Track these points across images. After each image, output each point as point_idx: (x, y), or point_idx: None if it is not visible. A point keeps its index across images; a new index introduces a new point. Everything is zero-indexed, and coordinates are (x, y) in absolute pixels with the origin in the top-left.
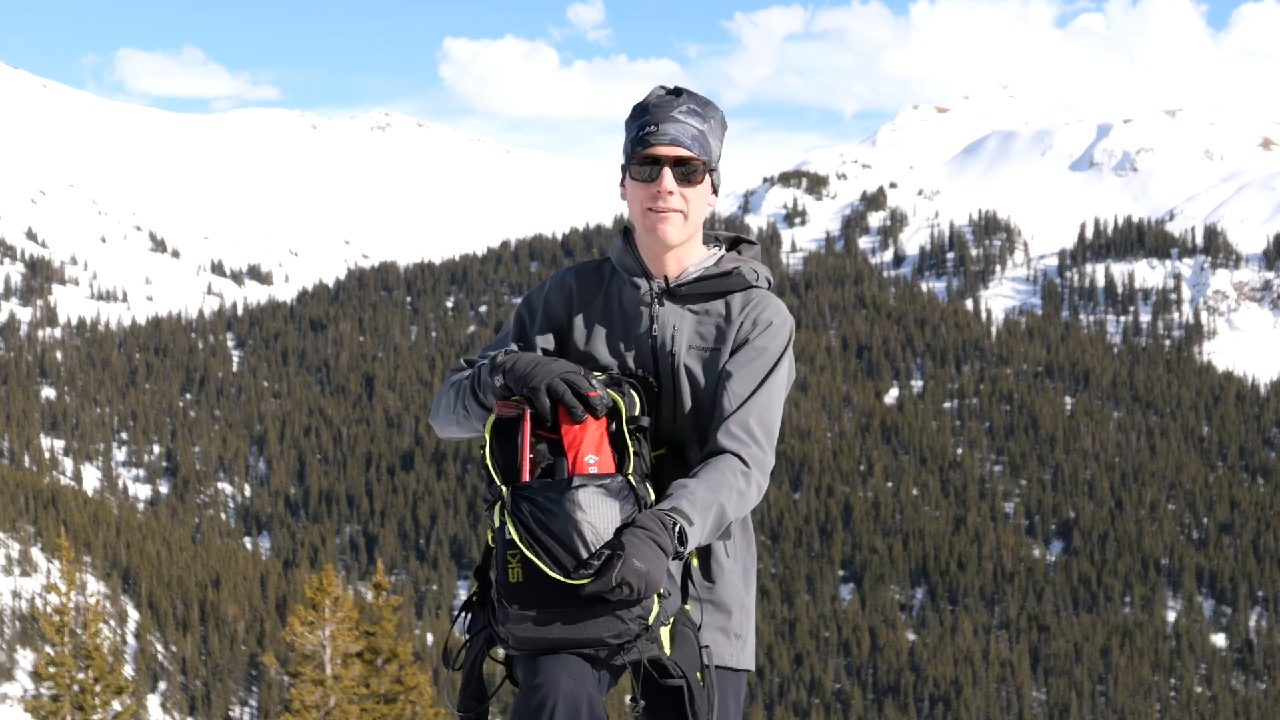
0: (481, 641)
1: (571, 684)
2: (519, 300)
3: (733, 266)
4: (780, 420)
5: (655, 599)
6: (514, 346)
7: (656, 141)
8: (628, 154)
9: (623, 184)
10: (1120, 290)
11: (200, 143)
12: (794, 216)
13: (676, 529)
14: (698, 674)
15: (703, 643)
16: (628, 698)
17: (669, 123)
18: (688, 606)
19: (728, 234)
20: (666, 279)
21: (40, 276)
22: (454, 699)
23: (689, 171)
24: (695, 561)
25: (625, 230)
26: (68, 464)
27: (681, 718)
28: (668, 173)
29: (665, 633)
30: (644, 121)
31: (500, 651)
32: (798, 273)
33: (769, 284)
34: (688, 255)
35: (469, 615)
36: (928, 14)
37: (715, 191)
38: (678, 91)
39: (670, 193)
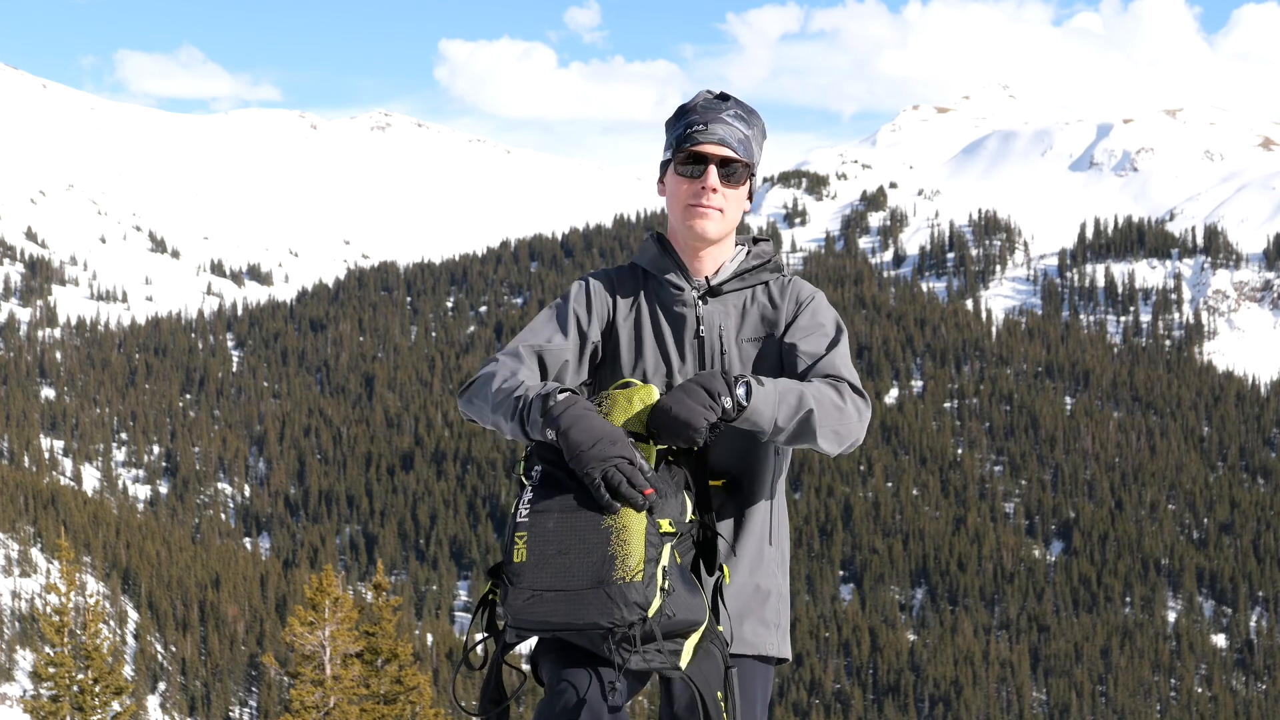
0: (499, 642)
1: (597, 688)
2: (519, 300)
3: (765, 259)
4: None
5: (658, 593)
6: (564, 369)
7: (704, 140)
8: (673, 149)
9: (661, 180)
10: (1120, 290)
11: (200, 143)
12: (794, 216)
13: (740, 381)
14: (719, 694)
15: (730, 663)
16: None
17: (717, 123)
18: (721, 627)
19: (743, 236)
20: (707, 278)
21: (40, 276)
22: (458, 700)
23: (732, 173)
24: (729, 580)
25: (658, 235)
26: (67, 464)
27: None
28: (713, 170)
29: (688, 646)
30: (692, 120)
31: (521, 651)
32: (798, 273)
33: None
34: (722, 254)
35: (486, 613)
36: (923, 14)
37: (750, 197)
38: (725, 96)
39: (714, 190)
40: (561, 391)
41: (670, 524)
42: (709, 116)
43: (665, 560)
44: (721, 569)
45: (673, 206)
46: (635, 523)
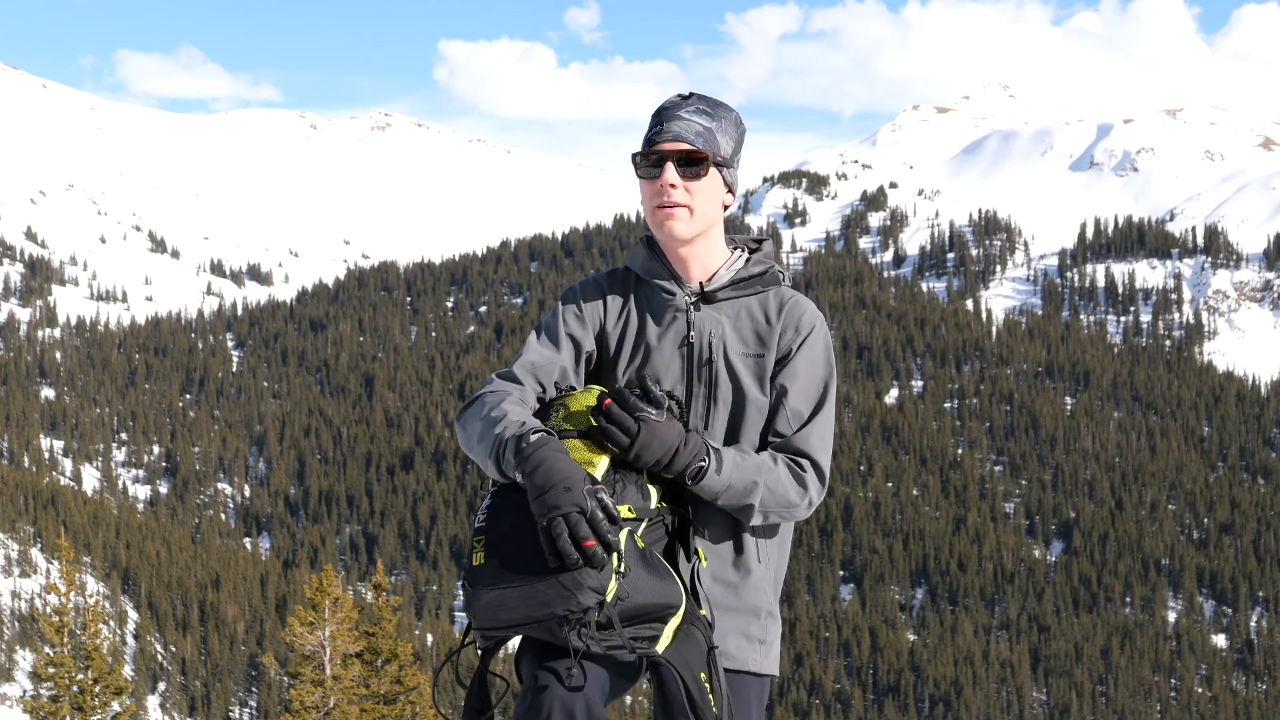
0: (482, 650)
1: (570, 686)
2: (519, 300)
3: (765, 268)
4: (833, 428)
5: (613, 577)
6: (563, 381)
7: (660, 139)
8: (640, 157)
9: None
10: (1121, 290)
11: (200, 143)
12: (794, 216)
13: (706, 449)
14: (701, 675)
15: (713, 643)
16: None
17: (674, 121)
18: (703, 611)
19: (742, 237)
20: (702, 284)
21: (40, 276)
22: (440, 707)
23: (692, 165)
24: (705, 563)
25: (648, 239)
26: (67, 464)
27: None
28: (670, 167)
29: (667, 630)
30: (653, 125)
31: (510, 649)
32: (798, 273)
33: (789, 280)
34: (712, 257)
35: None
36: (923, 14)
37: (731, 190)
38: (688, 95)
39: (673, 186)
40: (535, 432)
41: (630, 510)
42: (667, 116)
43: (622, 545)
44: (697, 553)
45: (646, 212)
46: None
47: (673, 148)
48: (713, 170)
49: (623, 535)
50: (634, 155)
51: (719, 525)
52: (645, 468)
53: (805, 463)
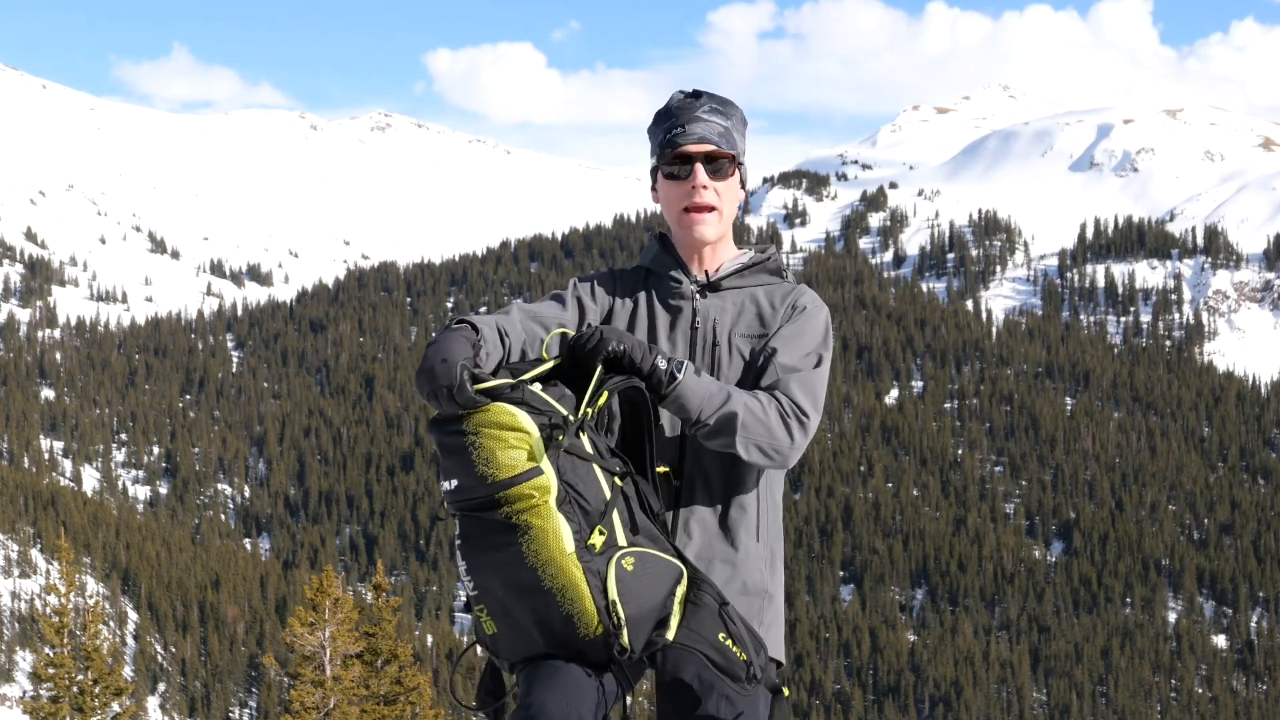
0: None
1: (564, 704)
2: (519, 301)
3: (767, 256)
4: (825, 393)
5: (623, 624)
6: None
7: (685, 141)
8: (658, 156)
9: (653, 188)
10: (1121, 290)
11: (200, 143)
12: (794, 217)
13: (682, 365)
14: (720, 635)
15: (724, 599)
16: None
17: (694, 122)
18: (708, 598)
19: (748, 245)
20: (707, 274)
21: (40, 277)
22: (458, 699)
23: (718, 167)
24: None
25: (660, 235)
26: (67, 465)
27: (696, 700)
28: (700, 168)
29: (675, 607)
30: (670, 125)
31: None
32: (798, 273)
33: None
34: (722, 252)
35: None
36: (923, 14)
37: (743, 185)
38: (697, 94)
39: (704, 187)
40: (459, 322)
41: (601, 531)
42: (686, 117)
43: (613, 585)
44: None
45: (668, 212)
46: (573, 574)
47: (699, 149)
48: (734, 170)
49: (610, 572)
50: (660, 155)
51: (709, 494)
52: (611, 356)
53: (784, 397)
